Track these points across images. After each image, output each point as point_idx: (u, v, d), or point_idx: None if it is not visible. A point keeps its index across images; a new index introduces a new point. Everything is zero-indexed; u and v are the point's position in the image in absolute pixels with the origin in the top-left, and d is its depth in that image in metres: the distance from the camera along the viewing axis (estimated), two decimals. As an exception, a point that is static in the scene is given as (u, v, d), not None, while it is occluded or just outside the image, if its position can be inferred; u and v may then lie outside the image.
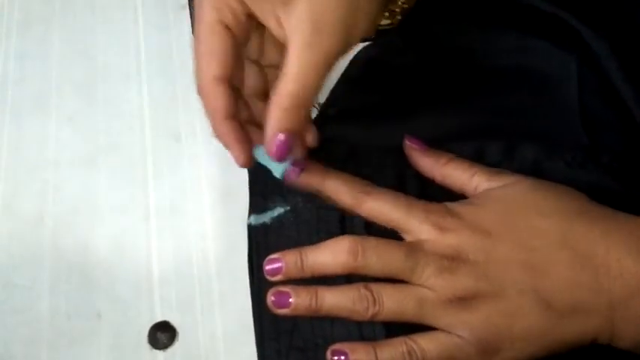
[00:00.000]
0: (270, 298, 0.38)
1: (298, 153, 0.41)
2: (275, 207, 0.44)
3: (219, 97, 0.39)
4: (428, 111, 0.47)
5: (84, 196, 0.47)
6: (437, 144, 0.44)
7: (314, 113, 0.48)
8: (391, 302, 0.37)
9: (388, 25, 0.59)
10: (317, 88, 0.38)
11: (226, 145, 0.40)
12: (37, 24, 0.56)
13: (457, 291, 0.36)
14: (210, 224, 0.46)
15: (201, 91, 0.40)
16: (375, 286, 0.37)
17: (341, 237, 0.39)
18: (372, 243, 0.38)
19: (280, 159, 0.39)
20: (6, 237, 0.45)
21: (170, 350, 0.41)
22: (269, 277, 0.39)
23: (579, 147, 0.44)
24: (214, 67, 0.38)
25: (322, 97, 0.49)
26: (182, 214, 0.47)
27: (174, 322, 0.42)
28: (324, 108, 0.48)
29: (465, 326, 0.36)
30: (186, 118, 0.51)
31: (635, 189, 0.43)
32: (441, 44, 0.50)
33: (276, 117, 0.37)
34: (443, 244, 0.38)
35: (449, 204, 0.40)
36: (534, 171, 0.42)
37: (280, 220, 0.43)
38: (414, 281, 0.37)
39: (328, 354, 0.37)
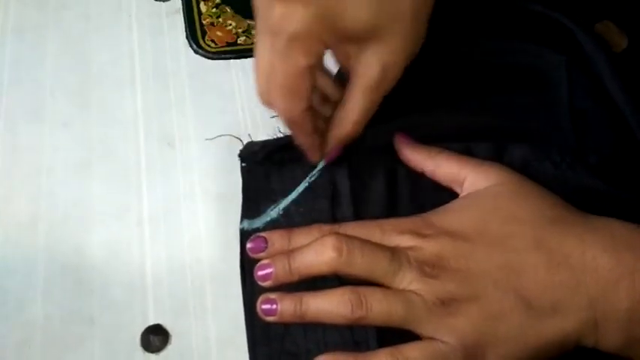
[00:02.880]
0: (260, 306, 0.38)
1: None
2: (268, 213, 0.44)
3: (309, 122, 0.42)
4: (417, 110, 0.47)
5: (78, 201, 0.47)
6: (426, 143, 0.44)
7: None
8: (380, 306, 0.37)
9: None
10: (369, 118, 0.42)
11: (312, 155, 0.44)
12: (32, 30, 0.56)
13: (441, 295, 0.36)
14: (204, 229, 0.46)
15: (293, 123, 0.42)
16: (362, 290, 0.37)
17: (326, 236, 0.38)
18: (357, 243, 0.38)
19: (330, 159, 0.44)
20: (0, 242, 0.45)
21: (163, 353, 0.41)
22: (260, 283, 0.39)
23: (568, 149, 0.45)
24: (305, 102, 0.41)
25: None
26: (176, 219, 0.47)
27: (167, 325, 0.42)
28: None
29: (449, 331, 0.36)
30: (180, 123, 0.52)
31: (622, 189, 0.43)
32: (431, 45, 0.50)
33: (334, 145, 0.44)
34: (424, 250, 0.38)
35: (424, 214, 0.40)
36: (522, 172, 0.42)
37: (273, 225, 0.43)
38: (396, 285, 0.37)
39: None
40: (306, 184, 0.45)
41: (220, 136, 0.50)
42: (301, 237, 0.40)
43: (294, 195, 0.45)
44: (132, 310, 0.43)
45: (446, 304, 0.36)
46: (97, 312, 0.43)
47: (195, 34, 0.56)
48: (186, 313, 0.43)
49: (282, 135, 0.49)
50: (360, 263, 0.37)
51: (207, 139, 0.50)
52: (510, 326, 0.36)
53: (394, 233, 0.39)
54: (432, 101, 0.48)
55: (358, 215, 0.43)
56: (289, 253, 0.39)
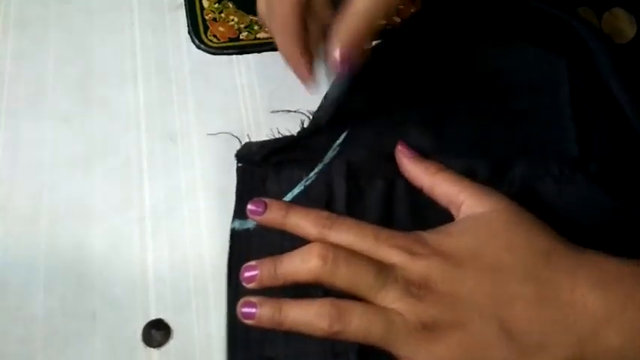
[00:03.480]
0: (240, 309, 0.38)
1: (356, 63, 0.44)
2: None
3: (299, 24, 0.43)
4: (417, 120, 0.47)
5: (79, 196, 0.47)
6: (426, 154, 0.44)
7: (306, 122, 0.49)
8: (359, 321, 0.36)
9: (385, 25, 0.59)
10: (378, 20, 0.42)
11: (293, 64, 0.45)
12: (33, 24, 0.56)
13: (423, 318, 0.36)
14: (205, 224, 0.46)
15: (281, 17, 0.43)
16: (343, 303, 0.37)
17: (313, 243, 0.38)
18: (344, 253, 0.37)
19: (343, 71, 0.43)
20: (1, 237, 0.45)
21: (164, 348, 0.41)
22: (246, 285, 0.39)
23: (567, 159, 0.45)
24: None
25: (314, 105, 0.49)
26: (177, 215, 0.47)
27: (169, 320, 0.42)
28: (317, 117, 0.48)
29: (428, 356, 0.35)
30: (182, 118, 0.51)
31: (623, 199, 0.43)
32: (431, 52, 0.50)
33: (342, 50, 0.42)
34: (412, 270, 0.37)
35: (420, 232, 0.39)
36: (523, 190, 0.43)
37: (265, 226, 0.43)
38: (379, 302, 0.36)
39: None
40: (302, 187, 0.45)
41: (221, 133, 0.50)
42: (296, 217, 0.40)
43: (288, 197, 0.45)
44: (133, 305, 0.43)
45: (427, 328, 0.36)
46: (98, 307, 0.43)
47: (198, 30, 0.56)
48: (187, 308, 0.42)
49: (280, 136, 0.49)
50: (344, 274, 0.37)
51: (209, 134, 0.50)
52: (490, 357, 0.35)
53: (387, 245, 0.38)
54: (433, 111, 0.48)
55: None
56: (276, 257, 0.39)
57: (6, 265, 0.44)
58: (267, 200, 0.40)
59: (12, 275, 0.44)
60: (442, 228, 0.40)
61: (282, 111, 0.51)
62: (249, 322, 0.38)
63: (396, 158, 0.45)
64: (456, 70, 0.51)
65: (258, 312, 0.37)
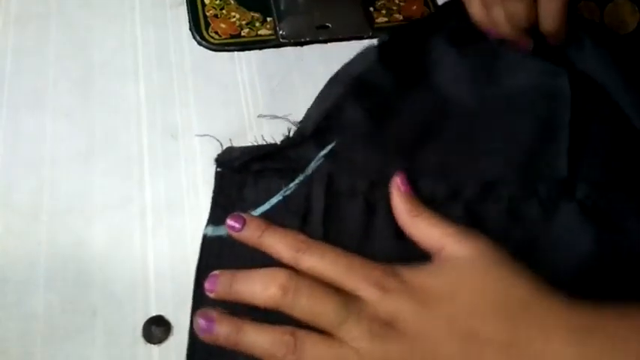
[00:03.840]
0: (197, 320, 0.38)
1: None
2: None
3: None
4: (407, 137, 0.47)
5: (80, 192, 0.47)
6: (413, 174, 0.44)
7: (292, 132, 0.48)
8: (312, 353, 0.36)
9: (385, 22, 0.59)
10: None
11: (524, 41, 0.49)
12: (34, 20, 0.56)
13: (382, 357, 0.35)
14: (206, 221, 0.46)
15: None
16: (301, 333, 0.36)
17: (278, 269, 0.38)
18: (307, 286, 0.37)
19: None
20: (1, 232, 0.45)
21: (165, 345, 0.41)
22: (207, 293, 0.39)
23: (556, 181, 0.44)
24: None
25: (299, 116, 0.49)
26: (178, 211, 0.47)
27: (169, 316, 0.42)
28: (302, 127, 0.48)
29: None
30: (183, 114, 0.51)
31: (612, 227, 0.42)
32: (422, 64, 0.49)
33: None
34: (380, 305, 0.36)
35: (396, 266, 0.39)
36: (509, 209, 0.43)
37: None
38: (340, 337, 0.36)
39: None
40: (280, 197, 0.44)
41: (206, 135, 0.49)
42: (272, 239, 0.40)
43: (265, 207, 0.44)
44: (133, 302, 0.43)
45: None
46: (98, 303, 0.42)
47: (199, 26, 0.56)
48: (188, 304, 0.42)
49: (265, 142, 0.48)
50: (304, 307, 0.37)
51: (196, 135, 0.50)
52: None
53: (358, 276, 0.38)
54: (421, 127, 0.47)
55: (327, 238, 0.42)
56: (236, 273, 0.39)
57: (6, 261, 0.44)
58: (246, 217, 0.41)
59: (12, 271, 0.43)
60: (421, 266, 0.39)
61: (269, 116, 0.51)
62: (204, 336, 0.38)
63: (390, 187, 0.44)
64: (452, 76, 0.50)
65: (215, 328, 0.37)
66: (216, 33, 0.56)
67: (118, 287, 0.43)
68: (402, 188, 0.43)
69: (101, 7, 0.57)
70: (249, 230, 0.41)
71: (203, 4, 0.58)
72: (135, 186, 0.48)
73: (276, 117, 0.50)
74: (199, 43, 0.55)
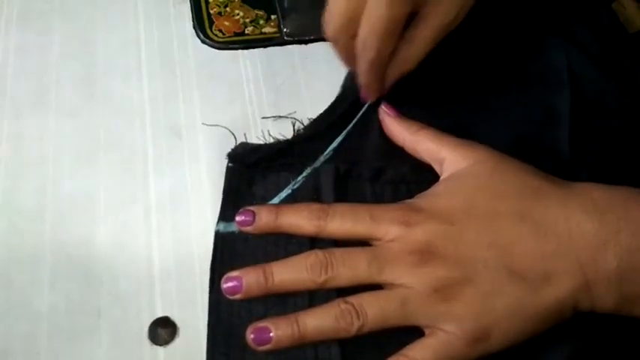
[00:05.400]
0: (250, 336, 0.38)
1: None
2: None
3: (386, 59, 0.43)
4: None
5: (84, 191, 0.47)
6: None
7: (297, 128, 0.49)
8: (374, 310, 0.37)
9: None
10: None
11: (370, 94, 0.46)
12: (37, 18, 0.55)
13: (433, 283, 0.37)
14: (211, 219, 0.45)
15: (378, 61, 0.43)
16: (353, 299, 0.37)
17: (307, 253, 0.39)
18: (338, 254, 0.38)
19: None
20: (5, 232, 0.45)
21: (171, 346, 0.41)
22: (228, 296, 0.39)
23: (560, 161, 0.45)
24: (395, 41, 0.42)
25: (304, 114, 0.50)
26: (183, 210, 0.46)
27: (175, 317, 0.42)
28: (316, 122, 0.49)
29: (449, 319, 0.36)
30: (187, 113, 0.51)
31: None
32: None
33: (392, 81, 0.45)
34: (411, 239, 0.38)
35: (410, 200, 0.41)
36: None
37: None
38: (390, 282, 0.37)
39: None
40: (289, 191, 0.44)
41: (217, 125, 0.49)
42: (288, 217, 0.41)
43: (275, 201, 0.44)
44: (139, 302, 0.42)
45: (439, 291, 0.37)
46: (103, 303, 0.42)
47: (203, 24, 0.56)
48: (194, 305, 0.42)
49: (272, 139, 0.48)
50: (345, 273, 0.38)
51: (203, 124, 0.50)
52: (507, 302, 0.36)
53: (383, 221, 0.39)
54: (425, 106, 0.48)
55: None
56: (263, 266, 0.39)
57: (10, 261, 0.44)
58: (253, 208, 0.41)
59: (16, 271, 0.43)
60: (432, 190, 0.41)
61: (272, 117, 0.50)
62: (263, 348, 0.37)
63: (379, 117, 0.46)
64: (458, 58, 0.51)
65: (274, 334, 0.37)
66: (220, 31, 0.55)
67: (124, 287, 0.43)
68: (391, 113, 0.45)
69: (104, 4, 0.57)
70: (262, 219, 0.41)
71: (207, 2, 0.57)
72: (139, 185, 0.47)
73: (279, 117, 0.50)
74: (203, 41, 0.55)
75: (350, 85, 0.49)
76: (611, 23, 0.51)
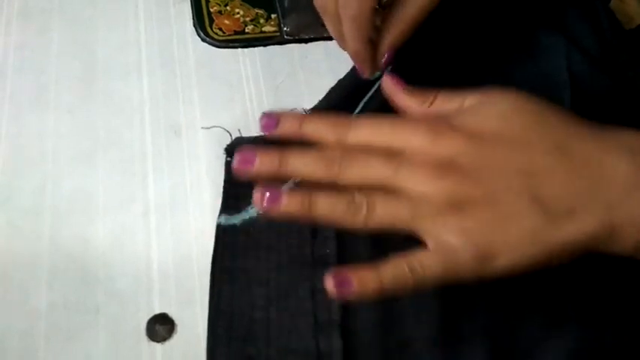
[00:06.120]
0: (261, 199, 0.36)
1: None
2: (247, 210, 0.44)
3: (371, 24, 0.44)
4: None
5: (83, 190, 0.47)
6: None
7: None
8: (384, 208, 0.36)
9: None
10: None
11: (364, 69, 0.46)
12: (37, 16, 0.56)
13: (450, 195, 0.35)
14: (210, 218, 0.45)
15: (360, 25, 0.43)
16: (367, 194, 0.36)
17: (325, 148, 0.38)
18: (356, 152, 0.37)
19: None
20: (4, 230, 0.45)
21: (168, 343, 0.41)
22: (239, 169, 0.37)
23: None
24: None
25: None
26: (182, 208, 0.46)
27: (173, 315, 0.42)
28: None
29: (459, 232, 0.35)
30: (187, 112, 0.51)
31: None
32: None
33: (387, 52, 0.46)
34: (435, 151, 0.37)
35: (441, 110, 0.39)
36: None
37: (251, 223, 0.43)
38: (402, 188, 0.36)
39: (329, 282, 0.35)
40: (291, 184, 0.44)
41: (214, 127, 0.49)
42: (313, 124, 0.39)
43: None
44: (137, 300, 0.42)
45: (453, 204, 0.35)
46: (102, 301, 0.42)
47: (203, 22, 0.56)
48: (192, 303, 0.42)
49: None
50: (354, 173, 0.37)
51: (202, 128, 0.50)
52: (522, 227, 0.35)
53: (407, 129, 0.37)
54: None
55: None
56: (281, 150, 0.38)
57: (9, 259, 0.44)
58: (278, 113, 0.39)
59: (15, 269, 0.43)
60: (464, 105, 0.39)
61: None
62: (276, 211, 0.36)
63: (387, 91, 0.43)
64: (457, 59, 0.51)
65: (285, 202, 0.36)
66: (221, 29, 0.55)
67: (122, 285, 0.43)
68: (399, 84, 0.42)
69: (104, 3, 0.57)
70: (287, 123, 0.39)
71: (207, 1, 0.57)
72: (138, 183, 0.47)
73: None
74: (203, 40, 0.55)
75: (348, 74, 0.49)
76: (611, 23, 0.51)
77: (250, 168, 0.37)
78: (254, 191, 0.36)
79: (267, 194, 0.36)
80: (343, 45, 0.46)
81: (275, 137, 0.39)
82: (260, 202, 0.36)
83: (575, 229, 0.35)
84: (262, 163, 0.37)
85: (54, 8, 0.56)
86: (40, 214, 0.46)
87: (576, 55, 0.50)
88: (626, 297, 0.41)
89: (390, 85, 0.42)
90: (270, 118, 0.39)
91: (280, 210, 0.36)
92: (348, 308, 0.40)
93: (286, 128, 0.39)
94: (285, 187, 0.43)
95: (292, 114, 0.40)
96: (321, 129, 0.39)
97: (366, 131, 0.38)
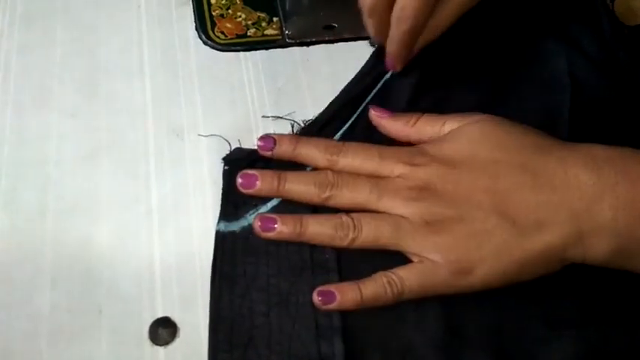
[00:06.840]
0: (257, 223, 0.41)
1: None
2: (245, 217, 0.44)
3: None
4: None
5: (86, 191, 0.47)
6: None
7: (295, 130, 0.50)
8: (369, 228, 0.40)
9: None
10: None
11: (396, 64, 0.48)
12: (40, 18, 0.56)
13: (426, 216, 0.39)
14: (212, 220, 0.45)
15: (413, 31, 0.45)
16: (354, 215, 0.41)
17: (319, 171, 0.43)
18: (346, 177, 0.42)
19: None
20: (7, 232, 0.45)
21: (171, 346, 0.41)
22: (241, 190, 0.43)
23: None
24: None
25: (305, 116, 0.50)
26: (184, 210, 0.46)
27: (176, 318, 0.42)
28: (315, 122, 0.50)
29: (436, 249, 0.39)
30: (189, 113, 0.51)
31: None
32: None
33: (419, 48, 0.47)
34: (413, 177, 0.41)
35: (420, 145, 0.43)
36: None
37: (250, 230, 0.43)
38: (385, 210, 0.41)
39: (315, 296, 0.39)
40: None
41: (212, 135, 0.49)
42: (306, 148, 0.44)
43: (274, 202, 0.44)
44: (140, 302, 0.42)
45: (430, 224, 0.39)
46: (104, 303, 0.42)
47: (205, 26, 0.56)
48: (195, 306, 0.42)
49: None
50: (345, 195, 0.41)
51: (199, 135, 0.50)
52: (495, 242, 0.38)
53: (391, 161, 0.42)
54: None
55: None
56: (279, 172, 0.43)
57: (11, 261, 0.44)
58: (275, 136, 0.44)
59: (17, 270, 0.43)
60: (440, 137, 0.43)
61: (273, 117, 0.50)
62: (267, 234, 0.41)
63: (373, 122, 0.47)
64: (458, 63, 0.51)
65: (278, 227, 0.41)
66: (222, 33, 0.56)
67: (124, 287, 0.43)
68: (386, 114, 0.46)
69: (107, 6, 0.57)
70: (282, 146, 0.44)
71: (209, 4, 0.57)
72: (141, 185, 0.47)
73: (278, 117, 0.50)
74: (205, 43, 0.55)
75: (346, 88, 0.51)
76: (612, 26, 0.52)
77: (252, 188, 0.43)
78: (254, 221, 0.42)
79: (259, 223, 0.42)
80: (381, 42, 0.48)
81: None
82: (257, 227, 0.42)
83: (543, 239, 0.38)
84: (263, 184, 0.43)
85: (57, 11, 0.56)
86: (42, 216, 0.46)
87: (577, 58, 0.50)
88: (631, 299, 0.41)
89: (375, 118, 0.46)
90: (267, 141, 0.44)
91: (274, 235, 0.41)
92: (349, 313, 0.40)
93: (282, 151, 0.44)
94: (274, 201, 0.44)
95: (288, 137, 0.45)
96: (314, 153, 0.44)
97: (356, 158, 0.43)
